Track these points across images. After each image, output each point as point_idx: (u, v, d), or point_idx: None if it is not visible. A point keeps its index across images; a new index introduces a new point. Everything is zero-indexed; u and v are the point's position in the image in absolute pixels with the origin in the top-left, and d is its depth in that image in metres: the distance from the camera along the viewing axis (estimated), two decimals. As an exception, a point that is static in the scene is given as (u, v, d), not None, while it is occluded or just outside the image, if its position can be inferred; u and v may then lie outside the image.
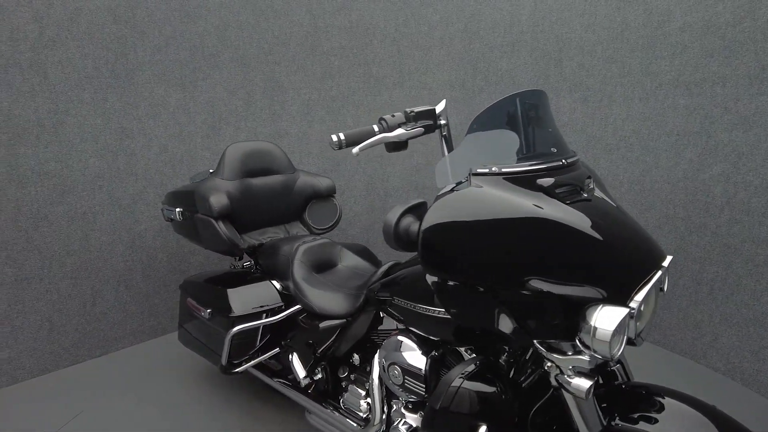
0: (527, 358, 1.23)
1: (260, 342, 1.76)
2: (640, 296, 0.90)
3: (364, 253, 1.91)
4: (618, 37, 2.41)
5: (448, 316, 1.18)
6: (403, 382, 1.32)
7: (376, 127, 1.21)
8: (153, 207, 2.53)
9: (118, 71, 2.34)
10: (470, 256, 0.98)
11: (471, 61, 2.78)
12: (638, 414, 1.01)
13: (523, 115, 1.10)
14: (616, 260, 0.93)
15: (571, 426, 1.06)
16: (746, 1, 2.03)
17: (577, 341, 0.91)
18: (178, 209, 1.93)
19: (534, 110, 1.12)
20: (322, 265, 1.77)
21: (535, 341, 1.02)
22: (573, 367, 0.98)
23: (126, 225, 2.46)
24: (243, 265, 1.98)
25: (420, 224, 1.05)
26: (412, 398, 1.35)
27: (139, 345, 2.61)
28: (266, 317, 1.73)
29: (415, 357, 1.30)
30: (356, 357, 1.62)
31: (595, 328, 0.86)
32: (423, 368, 1.27)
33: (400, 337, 1.36)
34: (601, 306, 0.88)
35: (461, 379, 1.10)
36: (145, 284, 2.58)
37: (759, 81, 2.02)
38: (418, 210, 1.13)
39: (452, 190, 1.04)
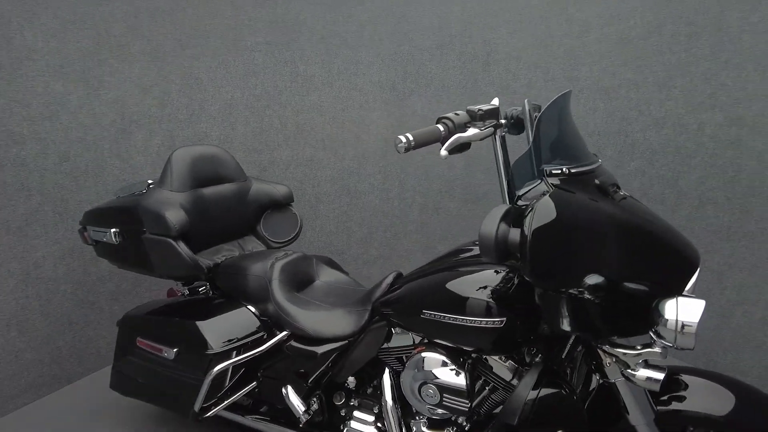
0: (571, 357, 1.23)
1: (232, 379, 1.54)
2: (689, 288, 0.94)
3: (333, 264, 1.79)
4: (542, 44, 2.54)
5: (486, 325, 1.16)
6: (441, 401, 1.26)
7: (441, 127, 1.13)
8: (52, 229, 2.11)
9: (0, 60, 1.93)
10: (585, 261, 0.97)
11: (401, 63, 2.76)
12: (668, 396, 1.07)
13: (563, 117, 1.11)
14: (678, 255, 0.98)
15: (619, 418, 1.11)
16: (654, 18, 2.26)
17: (651, 334, 0.92)
18: (112, 230, 1.63)
19: (567, 111, 1.13)
20: (301, 283, 1.61)
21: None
22: (644, 360, 1.02)
23: (16, 253, 2.02)
24: (199, 290, 1.72)
25: (524, 232, 1.01)
26: (437, 416, 1.30)
27: (41, 401, 2.16)
28: (245, 350, 1.51)
29: (452, 372, 1.25)
30: (351, 380, 1.50)
31: (682, 322, 0.89)
32: (464, 383, 1.23)
33: (428, 354, 1.29)
34: (675, 299, 0.90)
35: (536, 390, 1.07)
36: (45, 325, 2.14)
37: (667, 88, 2.26)
38: (506, 217, 1.07)
39: (543, 193, 1.03)
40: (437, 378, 1.25)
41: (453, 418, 1.33)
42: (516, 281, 1.21)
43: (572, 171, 1.03)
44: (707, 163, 2.17)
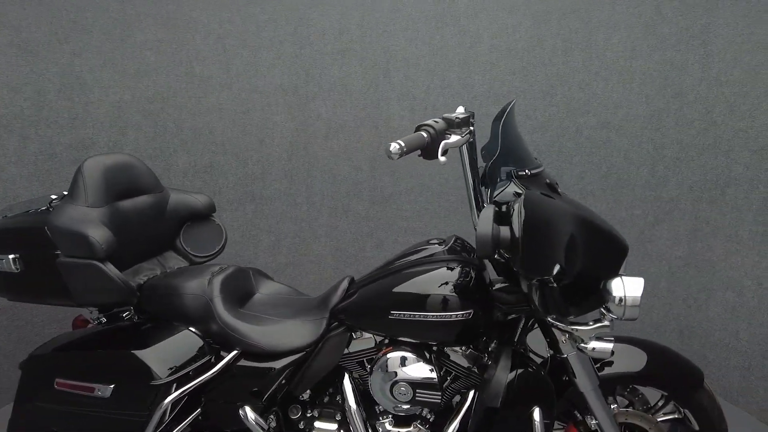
0: (523, 340, 1.35)
1: (174, 409, 1.38)
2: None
3: (264, 275, 1.71)
4: (438, 52, 2.71)
5: (454, 318, 1.26)
6: (414, 397, 1.31)
7: (424, 134, 1.17)
8: None
9: None
10: (556, 251, 1.09)
11: (303, 66, 2.73)
12: (597, 365, 1.25)
13: (512, 124, 1.23)
14: (614, 240, 1.14)
15: (569, 386, 1.29)
16: (536, 33, 2.55)
17: (602, 310, 1.05)
18: (10, 256, 1.37)
19: (513, 119, 1.25)
20: (243, 298, 1.52)
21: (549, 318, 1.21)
22: (595, 335, 1.18)
23: None
24: (121, 316, 1.52)
25: (513, 229, 1.11)
26: (404, 413, 1.36)
27: None
28: (195, 376, 1.39)
29: (423, 368, 1.31)
30: (306, 392, 1.45)
31: (626, 297, 1.03)
32: (435, 376, 1.30)
33: (396, 353, 1.33)
34: (621, 278, 1.03)
35: (513, 372, 1.15)
36: None
37: (549, 96, 2.56)
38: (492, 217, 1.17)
39: (516, 193, 1.17)
40: (408, 375, 1.30)
41: (419, 412, 1.38)
42: (473, 275, 1.30)
43: (532, 172, 1.15)
44: (585, 160, 2.51)
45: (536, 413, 1.19)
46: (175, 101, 2.48)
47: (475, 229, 1.15)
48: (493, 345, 1.37)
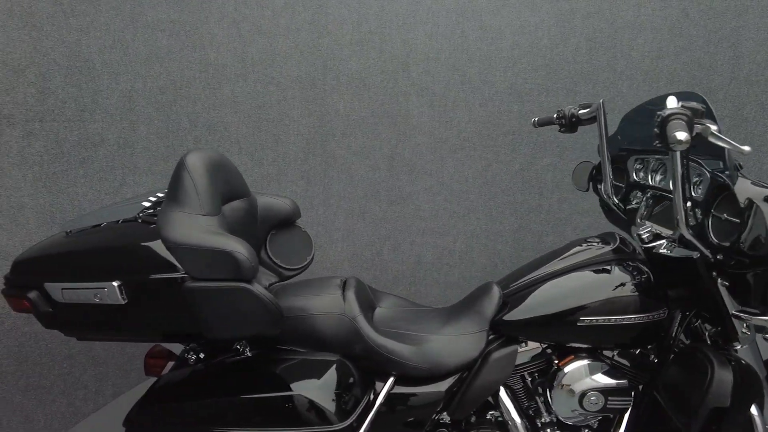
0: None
1: None
2: None
3: (367, 287, 1.52)
4: (458, 48, 2.65)
5: (651, 319, 1.22)
6: (605, 405, 1.25)
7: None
8: None
9: None
10: None
11: (321, 58, 2.52)
12: None
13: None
14: None
15: None
16: (559, 31, 2.59)
17: None
18: (114, 283, 1.05)
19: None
20: (371, 315, 1.32)
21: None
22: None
23: None
24: (233, 349, 1.24)
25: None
26: (578, 423, 1.31)
27: None
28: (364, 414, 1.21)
29: (612, 374, 1.26)
30: (443, 415, 1.30)
31: None
32: (626, 381, 1.25)
33: (579, 362, 1.27)
34: None
35: (728, 370, 1.12)
36: None
37: (573, 93, 2.62)
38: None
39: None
40: (599, 383, 1.23)
41: (585, 422, 1.31)
42: (651, 273, 1.26)
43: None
44: (609, 157, 2.61)
45: (754, 409, 1.18)
46: (188, 92, 2.15)
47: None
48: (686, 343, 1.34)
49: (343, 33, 2.55)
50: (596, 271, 1.27)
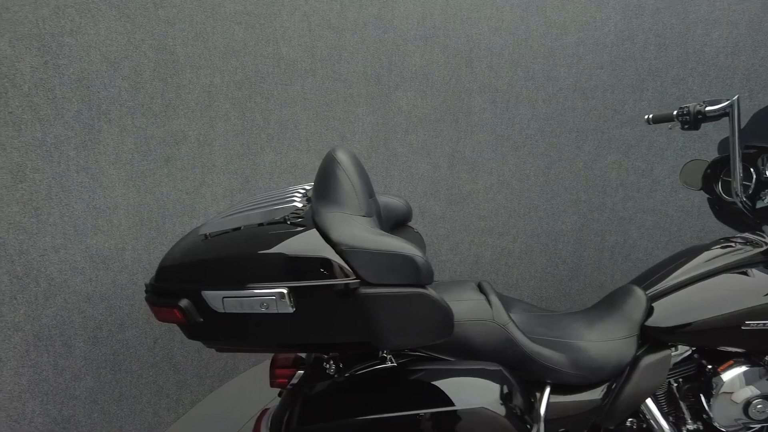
0: None
1: None
2: None
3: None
4: (522, 43, 2.59)
5: None
6: None
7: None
8: (9, 304, 1.18)
9: None
10: None
11: (386, 53, 2.46)
12: None
13: None
14: None
15: None
16: (626, 27, 2.54)
17: None
18: (280, 290, 0.98)
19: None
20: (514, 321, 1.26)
21: None
22: None
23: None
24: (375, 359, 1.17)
25: None
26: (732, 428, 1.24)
27: None
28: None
29: None
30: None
31: None
32: None
33: (739, 368, 1.21)
34: None
35: None
36: None
37: (639, 90, 2.57)
38: None
39: None
40: (765, 391, 1.17)
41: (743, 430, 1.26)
42: None
43: None
44: (677, 154, 2.56)
45: None
46: (261, 88, 2.08)
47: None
48: None
49: (408, 28, 2.49)
50: (753, 274, 1.22)
